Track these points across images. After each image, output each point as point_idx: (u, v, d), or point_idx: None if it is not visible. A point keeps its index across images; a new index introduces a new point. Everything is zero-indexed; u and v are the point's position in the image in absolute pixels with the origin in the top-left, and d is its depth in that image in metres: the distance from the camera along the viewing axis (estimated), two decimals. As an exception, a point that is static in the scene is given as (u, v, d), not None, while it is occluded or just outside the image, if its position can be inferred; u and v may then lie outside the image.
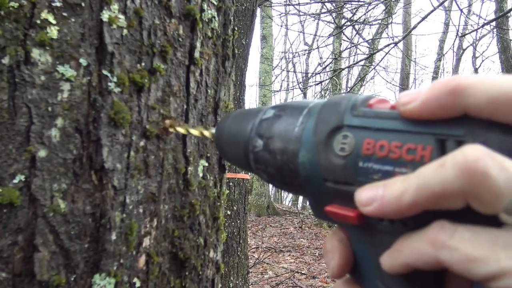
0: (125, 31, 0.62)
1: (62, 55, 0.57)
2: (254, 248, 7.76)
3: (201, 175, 0.74)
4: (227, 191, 3.57)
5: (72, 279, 0.55)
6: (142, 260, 0.63)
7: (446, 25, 14.86)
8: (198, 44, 0.73)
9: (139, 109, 0.64)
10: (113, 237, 0.59)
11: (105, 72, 0.60)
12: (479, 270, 0.24)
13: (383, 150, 0.30)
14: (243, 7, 3.58)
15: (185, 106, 0.71)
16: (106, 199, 0.58)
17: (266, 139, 0.39)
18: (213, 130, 0.52)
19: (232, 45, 0.85)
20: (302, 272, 6.30)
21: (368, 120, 0.32)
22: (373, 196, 0.29)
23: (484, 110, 0.26)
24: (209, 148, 0.77)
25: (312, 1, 7.99)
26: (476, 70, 17.72)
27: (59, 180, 0.55)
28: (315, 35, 12.93)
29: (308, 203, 0.37)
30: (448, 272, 0.30)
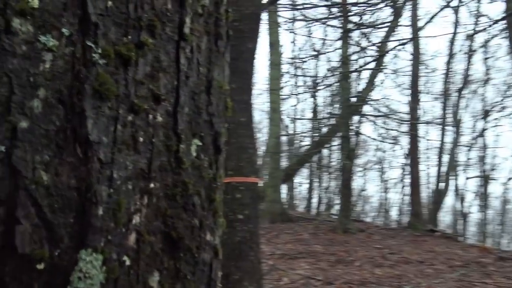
0: (109, 3, 0.61)
1: (44, 25, 0.55)
2: (269, 255, 7.68)
3: (194, 154, 0.72)
4: (239, 195, 3.55)
5: (57, 253, 0.53)
6: (132, 237, 0.61)
7: (455, 24, 14.66)
8: (187, 20, 0.72)
9: (126, 82, 0.62)
10: (100, 212, 0.57)
11: (89, 43, 0.58)
12: None
13: None
14: (248, 11, 3.58)
15: (175, 83, 0.69)
16: (91, 173, 0.56)
17: None
18: None
19: (226, 26, 0.83)
20: (318, 278, 6.21)
21: None
22: None
23: None
24: (202, 127, 0.74)
25: (319, 5, 7.99)
26: (487, 71, 17.46)
27: (41, 152, 0.53)
28: (323, 39, 12.92)
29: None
30: None
